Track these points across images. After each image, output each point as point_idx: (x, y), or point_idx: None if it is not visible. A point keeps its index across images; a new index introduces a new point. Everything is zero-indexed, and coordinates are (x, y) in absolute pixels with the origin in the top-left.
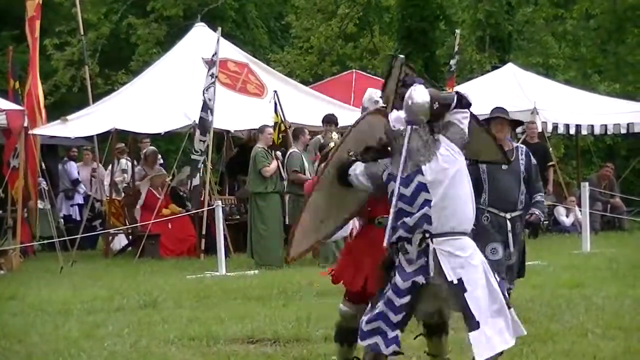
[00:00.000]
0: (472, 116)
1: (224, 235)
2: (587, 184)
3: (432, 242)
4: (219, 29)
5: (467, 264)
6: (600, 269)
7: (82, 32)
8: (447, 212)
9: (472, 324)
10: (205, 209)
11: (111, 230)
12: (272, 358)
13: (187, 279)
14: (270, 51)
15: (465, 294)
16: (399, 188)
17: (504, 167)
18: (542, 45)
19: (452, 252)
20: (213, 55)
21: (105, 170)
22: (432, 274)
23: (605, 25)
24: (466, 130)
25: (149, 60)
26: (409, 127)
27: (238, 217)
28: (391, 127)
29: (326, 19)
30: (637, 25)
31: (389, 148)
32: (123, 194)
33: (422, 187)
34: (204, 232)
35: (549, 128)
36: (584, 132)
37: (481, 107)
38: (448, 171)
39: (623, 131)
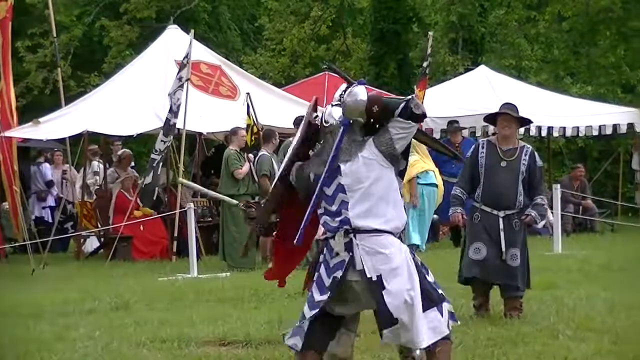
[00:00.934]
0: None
1: (196, 237)
2: (558, 185)
3: (356, 238)
4: (192, 31)
5: (387, 261)
6: (572, 271)
7: (54, 34)
8: (366, 213)
9: (387, 320)
10: (177, 211)
11: (83, 233)
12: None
13: (159, 281)
14: (243, 53)
15: (383, 291)
16: (322, 188)
17: (503, 164)
18: (514, 48)
19: (375, 248)
20: (184, 58)
21: (78, 172)
22: (351, 269)
23: (578, 27)
24: (397, 143)
25: (122, 63)
26: (342, 126)
27: (210, 219)
28: (323, 122)
29: (299, 21)
30: (609, 28)
31: (316, 145)
32: (95, 196)
33: (341, 189)
34: (176, 234)
35: (521, 130)
36: (556, 134)
37: (454, 109)
38: (368, 174)
39: (595, 133)
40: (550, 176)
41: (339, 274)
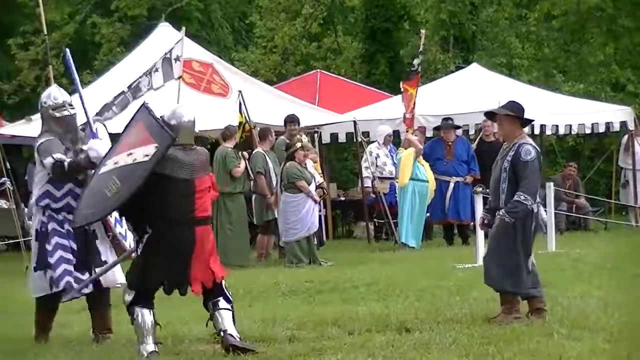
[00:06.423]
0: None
1: None
2: (551, 184)
3: None
4: (184, 28)
5: None
6: (566, 269)
7: (45, 32)
8: None
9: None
10: None
11: None
12: (238, 358)
13: None
14: (235, 51)
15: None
16: None
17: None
18: (505, 46)
19: None
20: (168, 52)
21: None
22: None
23: (568, 25)
24: None
25: (113, 60)
26: None
27: None
28: None
29: (290, 19)
30: (599, 26)
31: None
32: None
33: None
34: None
35: None
36: (548, 132)
37: (446, 108)
38: None
39: (587, 131)
40: (542, 174)
41: None
